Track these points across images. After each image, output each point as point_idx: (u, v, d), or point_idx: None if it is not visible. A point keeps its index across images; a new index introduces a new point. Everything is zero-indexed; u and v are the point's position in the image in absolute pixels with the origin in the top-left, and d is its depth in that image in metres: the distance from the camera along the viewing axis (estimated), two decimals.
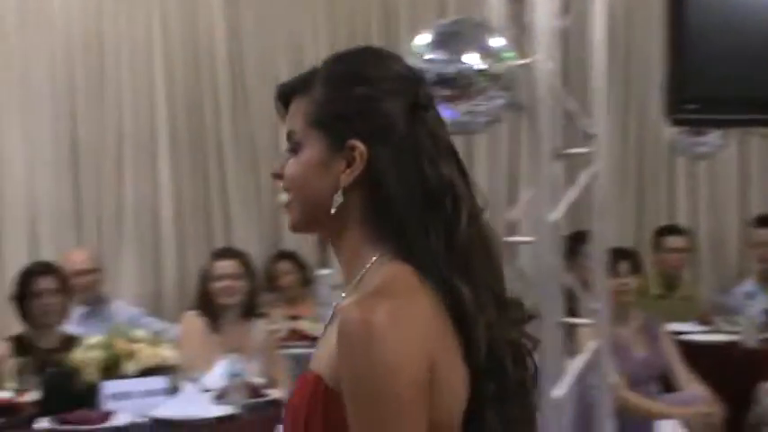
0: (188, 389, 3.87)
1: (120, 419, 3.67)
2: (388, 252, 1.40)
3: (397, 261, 1.39)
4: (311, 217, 1.46)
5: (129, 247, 5.55)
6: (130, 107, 5.55)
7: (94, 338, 3.94)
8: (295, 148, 1.45)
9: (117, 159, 5.55)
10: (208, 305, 4.53)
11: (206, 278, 4.58)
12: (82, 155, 5.50)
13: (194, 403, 3.78)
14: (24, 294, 4.38)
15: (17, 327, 4.48)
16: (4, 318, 4.93)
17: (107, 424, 3.64)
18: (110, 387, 3.76)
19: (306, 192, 1.45)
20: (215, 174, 5.67)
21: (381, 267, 1.40)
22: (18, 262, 5.04)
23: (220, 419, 3.73)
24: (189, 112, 5.61)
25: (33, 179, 5.44)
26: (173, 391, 3.85)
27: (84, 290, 4.92)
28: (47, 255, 5.15)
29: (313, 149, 1.43)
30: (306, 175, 1.44)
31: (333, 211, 1.40)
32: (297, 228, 1.49)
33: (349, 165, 1.40)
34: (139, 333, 4.00)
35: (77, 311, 4.81)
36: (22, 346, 4.31)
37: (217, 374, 3.98)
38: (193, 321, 4.54)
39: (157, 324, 5.01)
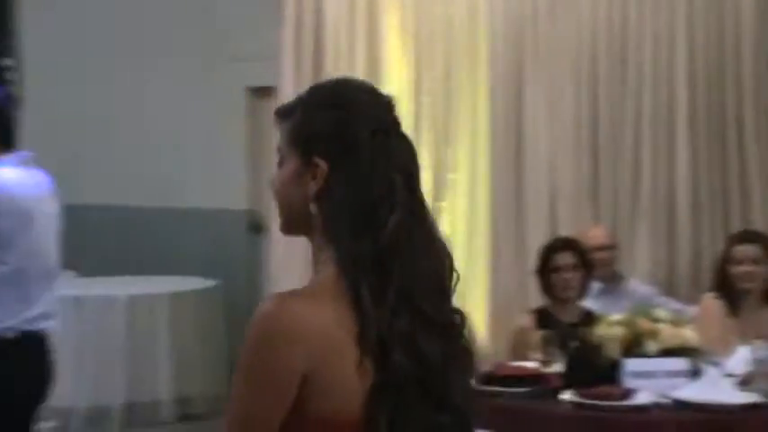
0: (710, 372, 3.80)
1: (642, 398, 3.69)
2: (332, 256, 1.61)
3: (332, 265, 1.61)
4: (290, 221, 1.70)
5: (643, 226, 5.57)
6: (650, 90, 5.54)
7: (617, 315, 4.01)
8: (280, 162, 1.70)
9: (635, 141, 5.58)
10: (727, 288, 4.44)
11: (725, 261, 4.49)
12: (601, 136, 5.61)
13: (717, 388, 3.71)
14: (546, 269, 4.60)
15: (539, 300, 4.72)
16: (527, 291, 5.21)
17: (628, 402, 3.67)
18: (631, 365, 3.79)
19: (285, 200, 1.69)
20: (733, 154, 5.49)
21: (323, 269, 1.63)
22: (539, 237, 5.30)
23: (744, 407, 3.63)
24: (709, 93, 5.49)
25: (555, 158, 5.65)
26: (694, 373, 3.82)
27: (602, 266, 5.02)
28: (565, 231, 5.32)
29: (290, 164, 1.67)
30: (285, 186, 1.69)
31: (305, 221, 1.65)
32: (282, 230, 1.73)
33: (314, 179, 1.63)
34: (661, 313, 4.01)
35: (594, 287, 4.93)
36: (544, 318, 4.52)
37: (740, 359, 3.88)
38: (712, 304, 4.47)
39: (672, 304, 4.99)
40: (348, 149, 1.63)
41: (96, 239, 7.57)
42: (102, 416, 6.36)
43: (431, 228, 1.67)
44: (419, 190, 1.67)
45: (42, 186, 3.60)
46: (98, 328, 6.42)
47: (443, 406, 1.64)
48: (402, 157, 1.66)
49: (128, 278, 7.17)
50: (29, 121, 5.86)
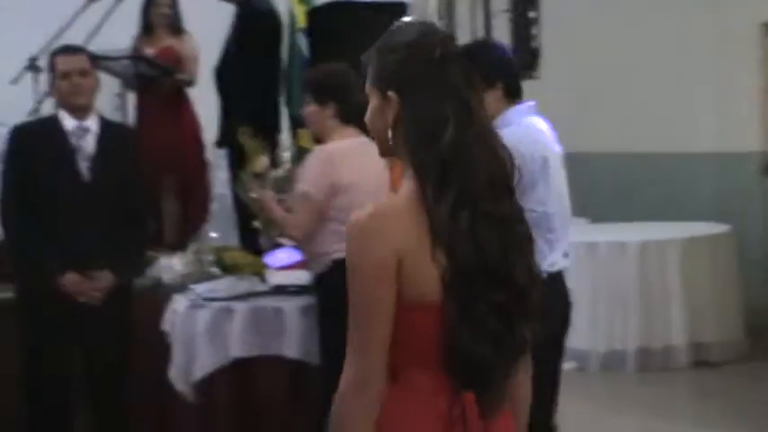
0: None
1: None
2: (410, 168, 1.96)
3: (410, 176, 1.96)
4: (382, 146, 2.05)
5: None
6: None
7: None
8: (368, 102, 2.04)
9: None
10: None
11: None
12: None
13: None
14: None
15: None
16: None
17: None
18: None
19: (374, 130, 2.05)
20: None
21: (407, 182, 1.97)
22: None
23: None
24: None
25: None
26: None
27: None
28: None
29: (373, 101, 2.03)
30: (371, 119, 2.04)
31: (390, 143, 2.01)
32: (380, 155, 2.09)
33: (390, 109, 1.98)
34: None
35: None
36: None
37: None
38: None
39: None
40: (410, 83, 1.96)
41: (605, 186, 7.68)
42: (618, 359, 6.48)
43: (488, 139, 1.97)
44: (476, 109, 1.97)
45: (549, 132, 3.73)
46: (610, 274, 6.54)
47: (508, 286, 1.94)
48: (455, 84, 1.96)
49: (638, 224, 7.20)
50: (543, 72, 6.08)
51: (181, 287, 4.63)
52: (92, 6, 6.10)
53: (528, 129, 3.60)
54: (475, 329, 1.91)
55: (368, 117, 2.05)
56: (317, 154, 4.18)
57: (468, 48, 4.14)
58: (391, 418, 1.94)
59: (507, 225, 1.95)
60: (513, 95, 3.64)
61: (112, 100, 6.51)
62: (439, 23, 5.92)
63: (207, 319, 4.31)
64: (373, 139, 2.07)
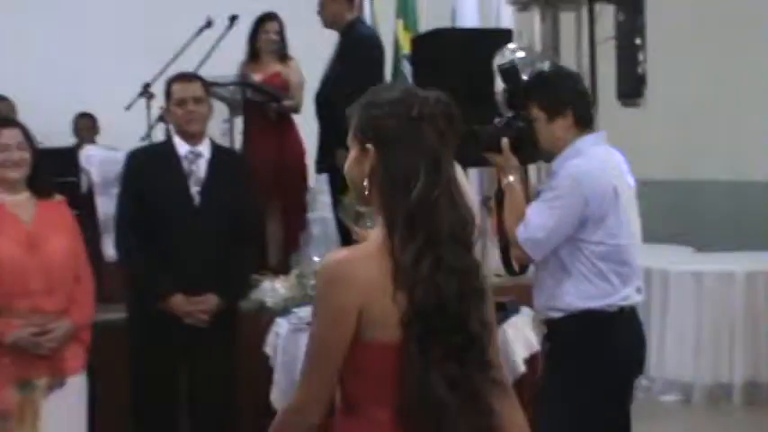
0: None
1: None
2: (381, 216, 2.10)
3: (380, 223, 2.10)
4: (358, 194, 2.17)
5: None
6: None
7: None
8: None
9: None
10: None
11: None
12: None
13: None
14: None
15: None
16: None
17: None
18: None
19: (350, 178, 2.19)
20: None
21: (377, 229, 2.11)
22: None
23: None
24: None
25: None
26: None
27: None
28: None
29: (352, 151, 2.17)
30: (349, 167, 2.18)
31: (366, 192, 2.13)
32: (357, 201, 2.23)
33: (367, 160, 2.12)
34: None
35: None
36: None
37: None
38: None
39: None
40: (387, 138, 2.10)
41: (711, 215, 7.55)
42: (724, 392, 6.34)
43: (454, 196, 2.10)
44: (446, 167, 2.10)
45: (621, 163, 3.68)
46: (717, 304, 6.41)
47: (463, 332, 2.08)
48: (429, 142, 2.09)
49: (746, 253, 7.04)
50: (650, 100, 6.01)
51: (283, 310, 4.69)
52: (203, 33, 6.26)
53: (598, 159, 3.55)
54: (432, 371, 2.04)
55: (346, 165, 2.20)
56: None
57: (540, 74, 4.12)
58: None
59: (465, 276, 2.10)
60: (584, 124, 3.60)
61: (220, 125, 6.66)
62: (542, 49, 6.00)
63: None
64: (350, 186, 2.22)
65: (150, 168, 4.39)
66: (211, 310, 4.29)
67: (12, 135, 3.73)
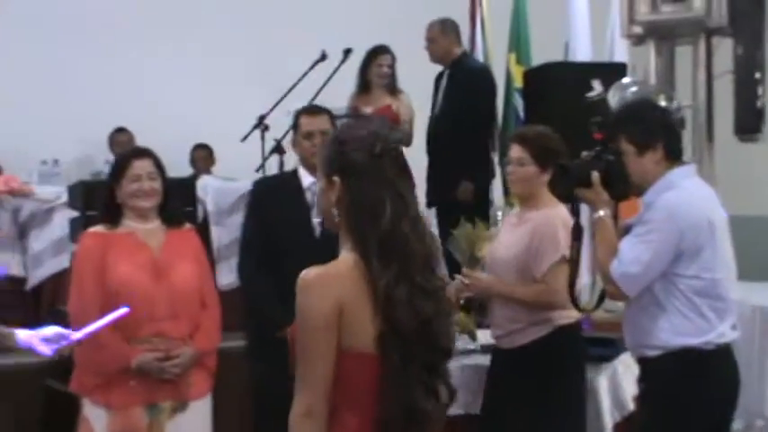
0: None
1: None
2: (349, 245, 2.33)
3: (349, 251, 2.33)
4: (327, 221, 2.40)
5: None
6: None
7: None
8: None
9: None
10: None
11: None
12: None
13: None
14: None
15: None
16: None
17: None
18: None
19: (319, 206, 2.48)
20: None
21: (344, 253, 2.35)
22: None
23: None
24: None
25: None
26: None
27: None
28: None
29: (321, 182, 2.40)
30: (319, 197, 2.45)
31: (336, 219, 2.36)
32: (327, 228, 2.46)
33: (333, 191, 2.34)
34: None
35: None
36: None
37: None
38: None
39: None
40: (351, 172, 2.30)
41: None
42: None
43: (419, 225, 2.31)
44: (408, 199, 2.31)
45: (713, 195, 3.59)
46: None
47: (436, 348, 2.31)
48: (391, 176, 2.30)
49: None
50: None
51: None
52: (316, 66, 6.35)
53: (693, 192, 3.50)
54: (415, 385, 2.27)
55: (317, 195, 2.51)
56: (558, 221, 4.05)
57: (628, 107, 4.05)
58: None
59: (436, 298, 2.32)
60: (674, 157, 3.53)
61: None
62: (657, 83, 5.91)
63: None
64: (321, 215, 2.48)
65: (275, 197, 4.45)
66: None
67: (143, 165, 3.82)
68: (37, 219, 6.05)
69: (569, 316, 4.00)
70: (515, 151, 4.07)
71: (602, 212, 3.52)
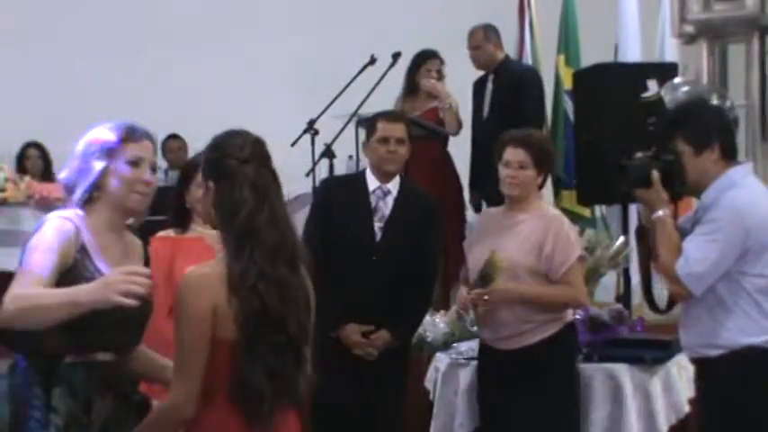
0: None
1: None
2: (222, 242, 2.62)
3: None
4: (210, 221, 2.69)
5: None
6: None
7: None
8: None
9: None
10: None
11: None
12: None
13: None
14: None
15: None
16: None
17: None
18: None
19: (202, 208, 2.88)
20: None
21: (222, 250, 2.60)
22: None
23: None
24: None
25: None
26: None
27: None
28: None
29: (203, 187, 2.69)
30: (202, 199, 2.75)
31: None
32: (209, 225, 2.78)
33: (209, 194, 2.64)
34: None
35: None
36: None
37: None
38: None
39: None
40: (220, 176, 2.59)
41: None
42: None
43: (278, 221, 2.58)
44: (270, 198, 2.59)
45: None
46: None
47: (282, 331, 2.55)
48: (256, 178, 2.58)
49: None
50: None
51: (443, 345, 4.70)
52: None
53: (755, 190, 3.50)
54: (255, 364, 2.50)
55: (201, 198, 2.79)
56: (565, 221, 4.19)
57: (684, 107, 4.02)
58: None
59: (284, 287, 2.56)
60: (730, 156, 3.52)
61: None
62: (709, 82, 5.85)
63: (468, 378, 4.34)
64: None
65: (339, 198, 4.50)
66: (381, 346, 4.33)
67: None
68: None
69: (570, 312, 4.15)
70: (518, 155, 4.07)
71: (661, 212, 3.50)
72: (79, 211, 2.76)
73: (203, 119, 7.69)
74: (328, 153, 5.79)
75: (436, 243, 4.61)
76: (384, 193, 4.47)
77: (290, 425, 2.67)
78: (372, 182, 4.47)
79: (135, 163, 2.79)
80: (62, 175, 2.87)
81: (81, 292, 2.51)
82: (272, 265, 2.55)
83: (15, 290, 2.54)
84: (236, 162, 2.59)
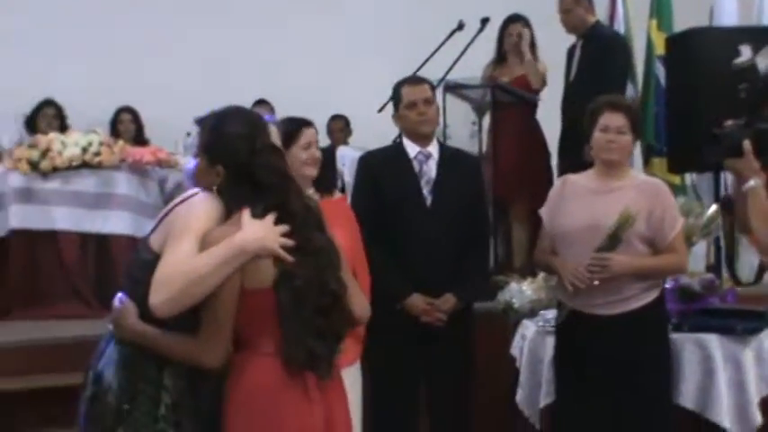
0: None
1: None
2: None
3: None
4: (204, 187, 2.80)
5: None
6: None
7: None
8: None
9: None
10: None
11: None
12: None
13: None
14: None
15: None
16: None
17: None
18: None
19: (199, 183, 2.82)
20: None
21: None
22: None
23: None
24: None
25: None
26: None
27: None
28: None
29: (202, 162, 2.80)
30: (198, 175, 2.83)
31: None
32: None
33: (218, 175, 2.75)
34: None
35: None
36: None
37: None
38: None
39: None
40: (232, 164, 2.70)
41: None
42: None
43: (300, 194, 2.79)
44: (280, 177, 2.72)
45: None
46: None
47: (324, 290, 2.69)
48: (268, 161, 2.71)
49: None
50: None
51: (530, 313, 4.68)
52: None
53: None
54: (304, 324, 2.62)
55: (197, 173, 2.81)
56: (667, 188, 4.10)
57: None
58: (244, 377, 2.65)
59: (323, 251, 2.73)
60: None
61: (469, 127, 6.71)
62: None
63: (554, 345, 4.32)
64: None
65: (383, 170, 4.46)
66: (448, 310, 4.33)
67: (312, 134, 3.83)
68: (182, 188, 6.22)
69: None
70: (617, 119, 3.98)
71: (753, 182, 3.43)
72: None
73: (290, 84, 7.82)
74: (398, 120, 5.78)
75: (483, 200, 4.61)
76: (426, 157, 4.44)
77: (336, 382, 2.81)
78: (412, 148, 4.45)
79: None
80: None
81: (244, 242, 2.61)
82: (306, 229, 2.72)
83: (175, 257, 2.57)
84: (249, 152, 2.72)
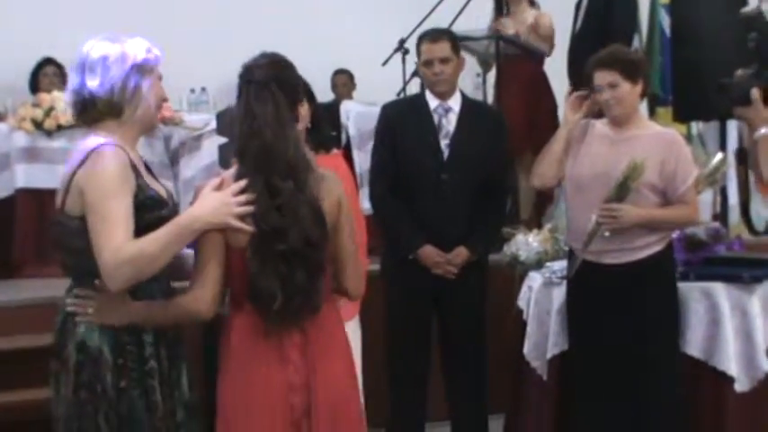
0: None
1: None
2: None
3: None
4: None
5: None
6: None
7: None
8: None
9: None
10: None
11: None
12: None
13: None
14: None
15: None
16: None
17: None
18: None
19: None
20: None
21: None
22: None
23: None
24: None
25: None
26: None
27: None
28: None
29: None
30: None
31: None
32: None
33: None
34: None
35: None
36: None
37: None
38: None
39: None
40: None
41: None
42: None
43: (279, 136, 2.69)
44: (281, 114, 2.73)
45: None
46: None
47: (282, 241, 2.64)
48: (252, 100, 2.79)
49: None
50: None
51: (537, 264, 4.69)
52: None
53: None
54: (265, 266, 2.62)
55: None
56: (681, 139, 4.08)
57: None
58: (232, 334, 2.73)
59: (285, 197, 2.65)
60: None
61: (473, 79, 6.69)
62: None
63: (562, 297, 4.33)
64: None
65: (402, 121, 4.48)
66: (461, 262, 4.35)
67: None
68: (187, 146, 6.24)
69: None
70: (605, 77, 3.93)
71: (763, 130, 3.41)
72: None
73: (293, 38, 7.71)
74: (419, 72, 5.76)
75: (503, 154, 4.61)
76: (446, 110, 4.45)
77: (326, 330, 2.80)
78: (433, 101, 4.46)
79: None
80: None
81: (193, 219, 2.62)
82: (279, 181, 2.67)
83: (113, 243, 2.53)
84: (243, 82, 2.85)
